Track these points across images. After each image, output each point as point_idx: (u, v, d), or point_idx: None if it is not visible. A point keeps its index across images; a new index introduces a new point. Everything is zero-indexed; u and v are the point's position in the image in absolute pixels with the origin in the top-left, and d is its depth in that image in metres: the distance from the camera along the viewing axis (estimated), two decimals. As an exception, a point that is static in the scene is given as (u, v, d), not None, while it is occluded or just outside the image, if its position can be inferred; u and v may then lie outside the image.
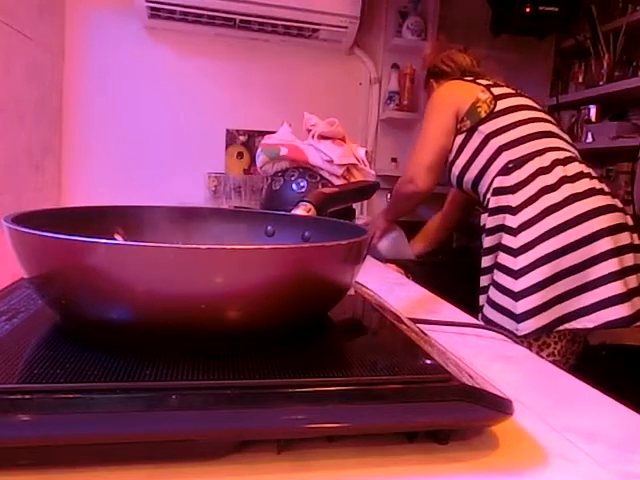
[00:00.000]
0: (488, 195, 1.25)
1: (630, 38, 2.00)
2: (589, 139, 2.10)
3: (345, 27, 2.01)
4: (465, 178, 1.32)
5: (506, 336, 0.60)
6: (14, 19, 1.45)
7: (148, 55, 2.03)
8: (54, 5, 1.83)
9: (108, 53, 1.98)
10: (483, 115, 1.26)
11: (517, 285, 1.13)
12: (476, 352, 0.53)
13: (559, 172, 1.16)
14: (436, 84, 1.46)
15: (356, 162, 1.21)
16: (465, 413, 0.31)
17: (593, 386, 0.45)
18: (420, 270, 1.43)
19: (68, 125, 1.98)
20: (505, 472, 0.31)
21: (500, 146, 1.23)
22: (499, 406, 0.32)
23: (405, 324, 0.44)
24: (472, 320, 0.67)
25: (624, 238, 1.14)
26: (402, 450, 0.32)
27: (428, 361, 0.35)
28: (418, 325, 0.46)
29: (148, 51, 2.03)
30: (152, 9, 1.88)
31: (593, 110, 2.15)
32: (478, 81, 1.33)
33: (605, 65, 2.07)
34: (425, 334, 0.43)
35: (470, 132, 1.27)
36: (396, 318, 0.46)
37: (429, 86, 1.50)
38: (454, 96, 1.32)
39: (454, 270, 1.46)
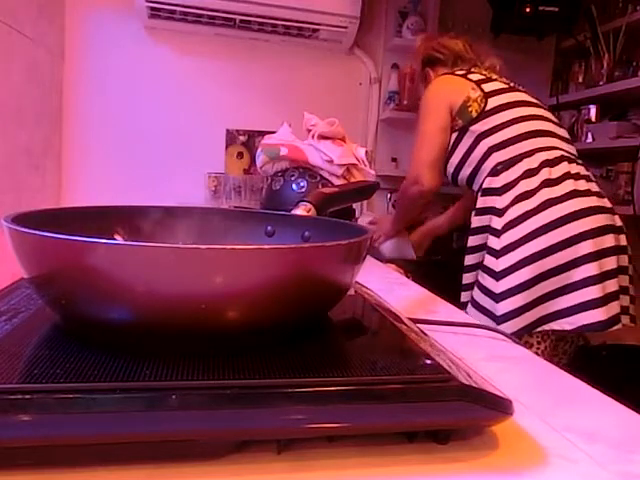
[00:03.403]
0: (478, 195, 1.25)
1: (630, 38, 2.00)
2: (589, 139, 2.09)
3: (345, 27, 2.01)
4: (459, 176, 1.32)
5: (506, 336, 0.60)
6: (14, 19, 1.45)
7: (148, 55, 2.03)
8: (54, 5, 1.83)
9: (108, 53, 1.98)
10: (474, 115, 1.25)
11: (498, 287, 1.15)
12: (476, 352, 0.53)
13: (544, 174, 1.17)
14: (432, 72, 1.46)
15: (356, 162, 1.21)
16: (465, 413, 0.31)
17: (593, 386, 0.45)
18: (420, 270, 1.44)
19: (68, 125, 1.98)
20: (505, 472, 0.31)
21: (490, 147, 1.23)
22: (499, 406, 0.32)
23: (405, 324, 0.44)
24: (471, 320, 0.67)
25: (608, 240, 1.14)
26: (402, 450, 0.32)
27: (428, 361, 0.34)
28: (418, 325, 0.46)
29: (148, 51, 2.03)
30: (152, 9, 1.88)
31: (593, 110, 2.15)
32: (469, 76, 1.32)
33: (605, 65, 2.07)
34: (425, 334, 0.43)
35: (462, 131, 1.28)
36: (396, 318, 0.46)
37: (425, 75, 1.49)
38: (446, 92, 1.32)
39: (454, 270, 1.46)
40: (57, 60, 1.89)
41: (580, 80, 2.25)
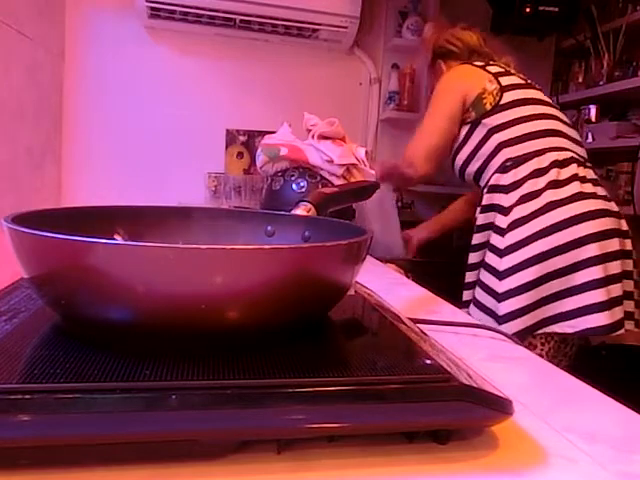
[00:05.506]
0: (484, 191, 1.25)
1: (630, 38, 2.00)
2: (589, 139, 2.09)
3: (345, 27, 2.01)
4: (467, 171, 1.31)
5: (506, 336, 0.60)
6: (14, 19, 1.45)
7: (148, 55, 2.03)
8: (54, 5, 1.83)
9: (108, 53, 1.98)
10: (488, 107, 1.24)
11: (501, 286, 1.14)
12: (476, 352, 0.53)
13: (552, 175, 1.16)
14: (445, 65, 1.42)
15: (356, 162, 1.21)
16: (465, 413, 0.31)
17: (593, 386, 0.45)
18: (420, 270, 1.43)
19: (68, 125, 1.98)
20: (505, 472, 0.31)
21: (500, 142, 1.22)
22: (499, 406, 0.32)
23: (405, 324, 0.44)
24: (472, 320, 0.67)
25: (613, 244, 1.13)
26: (402, 450, 0.32)
27: (428, 361, 0.34)
28: (418, 325, 0.46)
29: (148, 51, 2.03)
30: (152, 9, 1.88)
31: (593, 110, 2.15)
32: (488, 68, 1.29)
33: (605, 65, 2.07)
34: (425, 334, 0.43)
35: (474, 124, 1.27)
36: (396, 318, 0.46)
37: (437, 68, 1.45)
38: (462, 82, 1.30)
39: (454, 270, 1.46)
40: (57, 60, 1.89)
41: (580, 80, 2.25)
